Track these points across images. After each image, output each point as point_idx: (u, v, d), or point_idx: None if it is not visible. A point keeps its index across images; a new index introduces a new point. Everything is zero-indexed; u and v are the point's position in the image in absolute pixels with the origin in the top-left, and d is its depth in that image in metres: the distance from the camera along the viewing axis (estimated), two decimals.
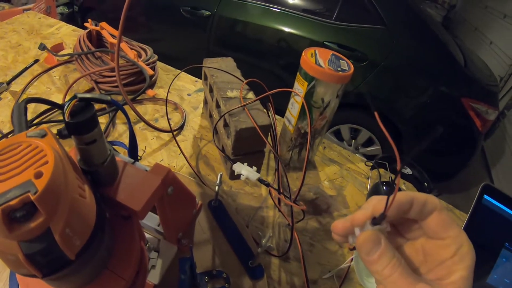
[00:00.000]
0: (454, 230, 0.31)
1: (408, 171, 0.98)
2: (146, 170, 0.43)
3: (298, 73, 0.74)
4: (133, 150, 0.49)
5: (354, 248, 0.33)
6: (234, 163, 0.60)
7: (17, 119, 0.35)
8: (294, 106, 0.77)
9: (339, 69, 0.70)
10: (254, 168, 0.59)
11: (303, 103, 0.74)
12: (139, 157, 0.78)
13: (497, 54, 4.04)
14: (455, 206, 0.91)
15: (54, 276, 0.30)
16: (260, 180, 0.57)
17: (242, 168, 0.59)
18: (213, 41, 2.54)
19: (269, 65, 2.47)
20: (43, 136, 0.30)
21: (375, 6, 2.23)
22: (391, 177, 0.91)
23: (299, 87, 0.74)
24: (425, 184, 0.95)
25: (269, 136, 0.76)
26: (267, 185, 0.57)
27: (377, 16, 2.24)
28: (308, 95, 0.73)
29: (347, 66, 0.73)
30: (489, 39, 4.37)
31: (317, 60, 0.71)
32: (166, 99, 0.92)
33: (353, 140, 2.51)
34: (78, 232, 0.30)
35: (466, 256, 0.30)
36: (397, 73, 2.28)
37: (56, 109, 0.89)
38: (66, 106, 0.32)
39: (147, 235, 0.60)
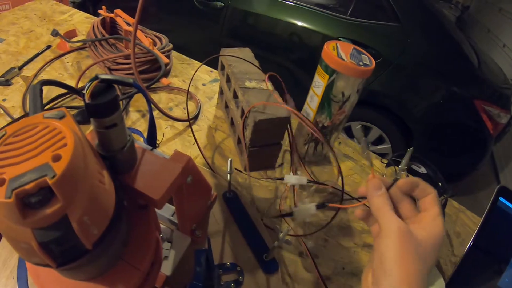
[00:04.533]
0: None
1: (422, 170, 0.96)
2: (165, 158, 0.42)
3: (318, 65, 0.72)
4: (151, 136, 0.47)
5: None
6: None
7: (32, 101, 0.33)
8: (314, 99, 0.75)
9: (361, 63, 0.68)
10: (299, 172, 0.62)
11: (323, 96, 0.72)
12: (157, 144, 0.76)
13: (509, 57, 3.98)
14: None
15: (68, 266, 0.29)
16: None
17: (292, 179, 0.63)
18: (225, 33, 2.52)
19: (281, 59, 2.44)
20: (62, 117, 0.28)
21: (391, 3, 2.20)
22: (407, 175, 0.89)
23: (320, 80, 0.72)
24: (439, 184, 0.92)
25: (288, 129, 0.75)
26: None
27: (392, 13, 2.21)
28: (328, 89, 0.71)
29: (368, 60, 0.70)
30: (502, 41, 4.30)
31: (339, 53, 0.69)
32: (188, 90, 0.90)
33: (363, 138, 2.48)
34: (96, 220, 0.28)
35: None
36: (410, 72, 2.24)
37: (69, 95, 0.87)
38: (87, 87, 0.31)
39: (160, 225, 0.58)
